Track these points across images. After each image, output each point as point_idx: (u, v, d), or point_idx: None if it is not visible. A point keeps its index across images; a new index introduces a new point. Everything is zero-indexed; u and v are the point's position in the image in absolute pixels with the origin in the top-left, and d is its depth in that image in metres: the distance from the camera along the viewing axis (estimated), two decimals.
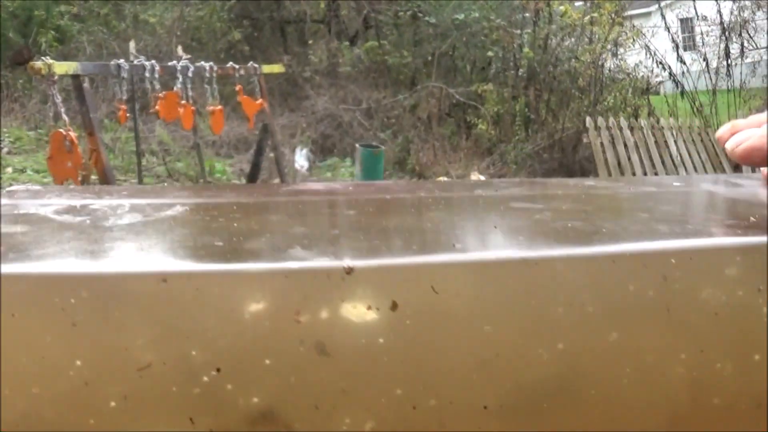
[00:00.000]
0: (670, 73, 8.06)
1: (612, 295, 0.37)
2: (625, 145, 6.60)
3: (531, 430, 0.35)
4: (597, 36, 9.14)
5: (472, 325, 0.35)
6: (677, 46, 8.58)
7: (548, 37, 9.13)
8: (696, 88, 7.93)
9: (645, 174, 6.45)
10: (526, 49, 9.05)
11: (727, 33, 8.88)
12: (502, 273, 0.36)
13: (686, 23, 11.14)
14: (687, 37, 11.11)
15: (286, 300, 0.33)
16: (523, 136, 8.45)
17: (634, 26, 9.63)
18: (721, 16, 9.02)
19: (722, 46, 8.85)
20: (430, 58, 9.87)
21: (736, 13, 9.23)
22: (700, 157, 6.74)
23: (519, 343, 0.35)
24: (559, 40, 9.10)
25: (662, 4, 9.35)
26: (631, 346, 0.36)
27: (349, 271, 0.34)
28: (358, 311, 0.34)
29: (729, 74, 8.42)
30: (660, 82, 9.18)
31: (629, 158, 6.55)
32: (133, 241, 0.39)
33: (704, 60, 8.59)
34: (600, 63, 8.70)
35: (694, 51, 9.20)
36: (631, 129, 6.73)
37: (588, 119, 6.85)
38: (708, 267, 0.38)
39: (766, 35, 9.83)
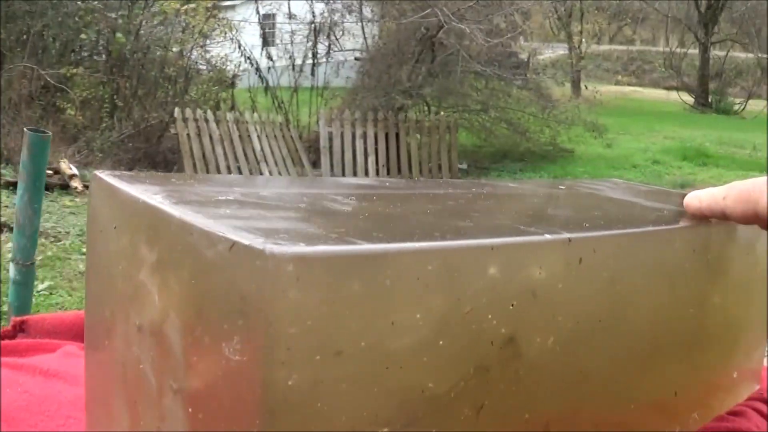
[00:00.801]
0: (257, 69, 8.35)
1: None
2: (211, 138, 6.71)
3: None
4: (192, 26, 9.17)
5: None
6: (266, 42, 8.94)
7: (141, 24, 8.95)
8: (279, 84, 8.32)
9: (228, 167, 6.63)
10: (118, 34, 8.77)
11: (316, 33, 9.48)
12: None
13: (268, 19, 11.63)
14: (269, 33, 11.63)
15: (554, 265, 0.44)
16: (110, 124, 8.17)
17: (226, 19, 9.81)
18: (314, 15, 9.61)
19: (309, 45, 9.43)
20: (24, 36, 9.14)
21: (326, 14, 9.91)
22: (281, 152, 7.09)
23: None
24: (151, 28, 8.96)
25: None
26: None
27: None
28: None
29: (313, 73, 8.97)
30: (235, 76, 9.38)
31: (213, 150, 6.67)
32: (429, 219, 0.46)
33: (290, 57, 9.06)
34: (188, 54, 8.74)
35: (274, 47, 9.60)
36: (218, 122, 6.86)
37: (177, 110, 6.84)
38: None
39: (352, 38, 10.74)
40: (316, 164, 7.42)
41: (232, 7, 12.70)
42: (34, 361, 0.68)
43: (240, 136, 6.90)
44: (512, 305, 0.44)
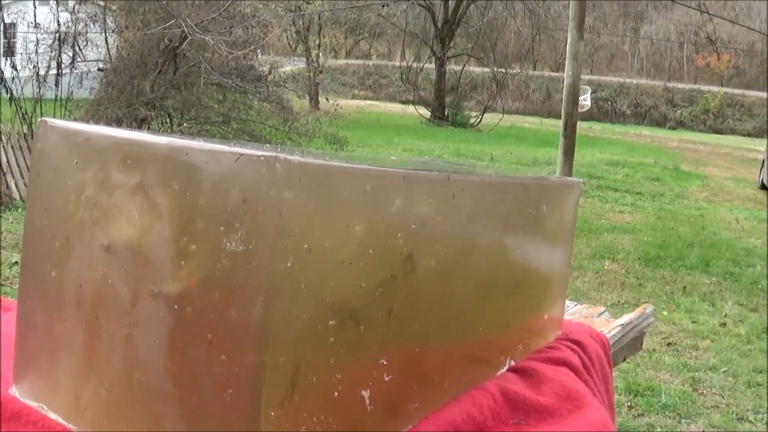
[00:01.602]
0: (1, 78, 8.26)
1: None
2: None
3: None
4: None
5: None
6: (11, 52, 8.79)
7: None
8: (23, 94, 8.23)
9: None
10: None
11: (61, 43, 9.32)
12: None
13: (11, 27, 11.27)
14: (11, 42, 11.27)
15: None
16: None
17: None
18: (59, 25, 9.39)
19: (53, 54, 9.28)
20: None
21: (71, 24, 9.75)
22: (26, 162, 7.23)
23: None
24: None
25: (2, 3, 9.37)
26: None
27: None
28: None
29: (57, 84, 8.91)
30: None
31: None
32: None
33: (35, 67, 8.92)
34: None
35: (13, 56, 9.32)
36: None
37: None
38: None
39: (96, 48, 10.63)
40: None
41: None
42: None
43: None
44: (413, 226, 0.51)
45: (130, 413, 0.47)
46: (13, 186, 7.01)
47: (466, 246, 0.60)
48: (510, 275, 0.71)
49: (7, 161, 7.07)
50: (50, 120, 0.51)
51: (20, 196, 6.98)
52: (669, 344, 4.46)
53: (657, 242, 7.61)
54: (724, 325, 4.94)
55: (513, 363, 0.74)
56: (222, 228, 0.43)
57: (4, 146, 7.10)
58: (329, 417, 0.48)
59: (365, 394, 0.51)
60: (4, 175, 6.99)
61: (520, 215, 0.70)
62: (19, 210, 6.71)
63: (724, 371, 4.09)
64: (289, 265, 0.43)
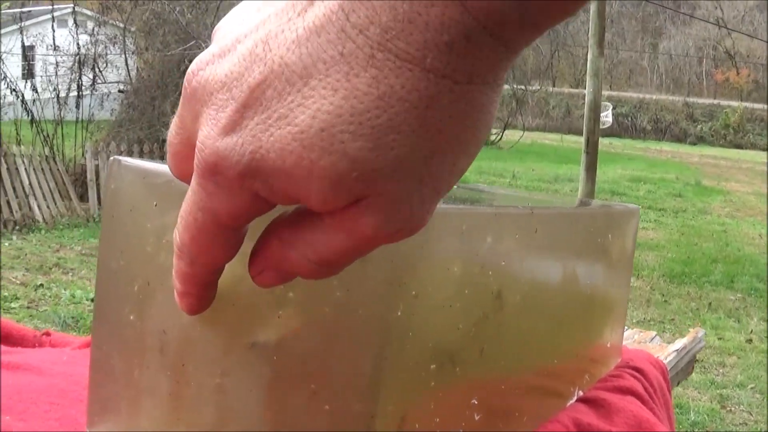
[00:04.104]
0: (22, 101, 8.39)
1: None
2: None
3: None
4: None
5: None
6: (31, 74, 8.95)
7: None
8: (44, 116, 8.33)
9: None
10: None
11: (81, 65, 9.47)
12: None
13: (30, 50, 11.43)
14: (31, 65, 11.43)
15: None
16: None
17: None
18: (79, 47, 9.53)
19: (73, 77, 9.41)
20: None
21: (91, 46, 9.90)
22: (48, 185, 7.28)
23: None
24: None
25: (22, 26, 9.54)
26: None
27: None
28: None
29: (78, 106, 9.03)
30: None
31: None
32: None
33: (55, 90, 9.06)
34: None
35: (36, 79, 9.38)
36: None
37: None
38: None
39: (116, 70, 10.80)
40: (83, 197, 7.65)
41: None
42: None
43: (8, 169, 7.00)
44: (502, 263, 0.52)
45: None
46: (36, 208, 7.06)
47: (544, 278, 0.61)
48: (579, 304, 0.70)
49: (29, 183, 7.11)
50: (123, 159, 0.49)
51: (43, 218, 7.03)
52: (696, 361, 4.38)
53: (681, 258, 7.54)
54: (750, 341, 4.88)
55: (581, 393, 0.73)
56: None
57: (26, 169, 7.15)
58: None
59: None
60: (27, 197, 7.04)
61: (590, 244, 0.70)
62: (42, 232, 6.75)
63: (752, 388, 4.03)
64: (399, 314, 0.42)
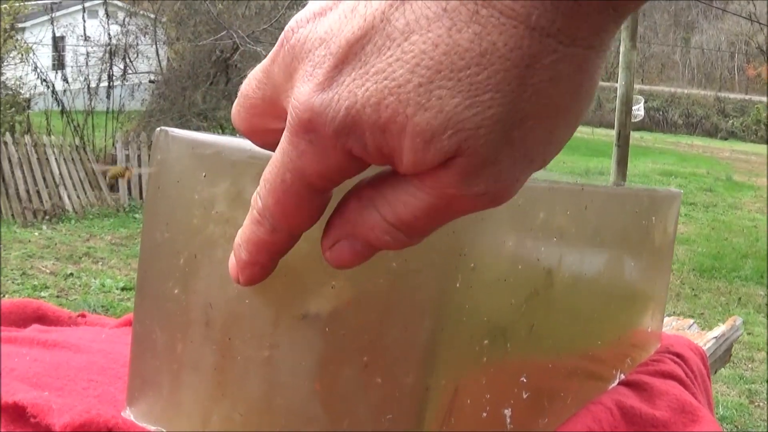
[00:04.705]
0: (53, 91, 8.46)
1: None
2: (10, 161, 6.88)
3: None
4: None
5: None
6: (60, 64, 9.00)
7: None
8: (74, 106, 8.41)
9: (28, 191, 6.82)
10: None
11: (111, 55, 9.50)
12: None
13: (61, 41, 11.50)
14: (61, 55, 11.51)
15: None
16: None
17: (25, 42, 9.62)
18: (110, 37, 9.56)
19: (104, 67, 9.48)
20: None
21: (121, 36, 9.90)
22: (78, 175, 7.34)
23: None
24: None
25: (52, 17, 9.62)
26: None
27: None
28: None
29: (109, 96, 9.09)
30: (30, 99, 9.18)
31: (13, 174, 6.85)
32: None
33: (86, 80, 9.13)
34: None
35: (66, 69, 9.47)
36: (16, 145, 7.01)
37: None
38: None
39: (147, 60, 10.86)
40: (113, 188, 7.70)
41: (21, 29, 12.47)
42: (26, 333, 0.69)
43: (38, 159, 7.07)
44: (554, 239, 0.51)
45: None
46: (65, 198, 7.12)
47: (592, 258, 0.59)
48: (623, 287, 0.69)
49: (60, 173, 7.18)
50: (171, 130, 0.47)
51: (72, 207, 7.09)
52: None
53: (711, 253, 7.46)
54: None
55: (623, 377, 0.72)
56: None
57: (56, 159, 7.22)
58: None
59: (507, 413, 0.51)
60: (57, 186, 7.11)
61: (634, 227, 0.69)
62: (72, 222, 6.82)
63: None
64: (458, 285, 0.41)
